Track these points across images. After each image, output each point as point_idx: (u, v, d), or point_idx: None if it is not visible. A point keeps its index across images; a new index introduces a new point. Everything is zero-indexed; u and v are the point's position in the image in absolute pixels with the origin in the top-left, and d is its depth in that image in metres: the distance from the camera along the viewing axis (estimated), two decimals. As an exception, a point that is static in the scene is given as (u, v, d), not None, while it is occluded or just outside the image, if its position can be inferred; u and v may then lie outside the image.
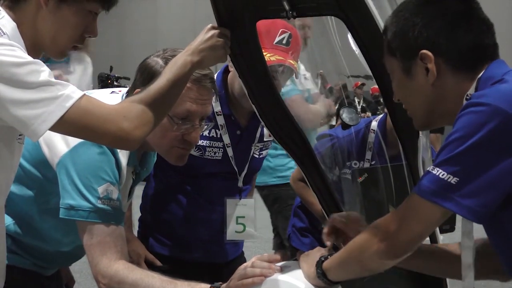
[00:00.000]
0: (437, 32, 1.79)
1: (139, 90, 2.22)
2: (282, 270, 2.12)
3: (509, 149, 1.64)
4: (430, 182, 1.69)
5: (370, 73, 2.24)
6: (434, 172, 1.68)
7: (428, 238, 2.30)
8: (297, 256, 2.19)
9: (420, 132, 2.22)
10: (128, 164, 2.28)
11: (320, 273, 1.98)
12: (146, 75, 2.27)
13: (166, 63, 2.24)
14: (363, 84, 14.29)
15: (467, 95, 1.77)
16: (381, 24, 2.00)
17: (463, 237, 1.82)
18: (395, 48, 1.85)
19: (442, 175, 1.66)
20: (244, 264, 2.10)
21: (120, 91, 2.40)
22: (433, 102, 1.83)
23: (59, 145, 2.17)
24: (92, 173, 2.15)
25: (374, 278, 2.29)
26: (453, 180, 1.65)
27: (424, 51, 1.79)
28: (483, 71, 1.79)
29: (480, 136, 1.63)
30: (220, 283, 2.09)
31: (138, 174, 2.41)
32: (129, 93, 2.33)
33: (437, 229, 2.34)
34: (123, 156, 2.23)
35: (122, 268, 2.13)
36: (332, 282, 1.98)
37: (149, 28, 19.33)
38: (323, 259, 2.00)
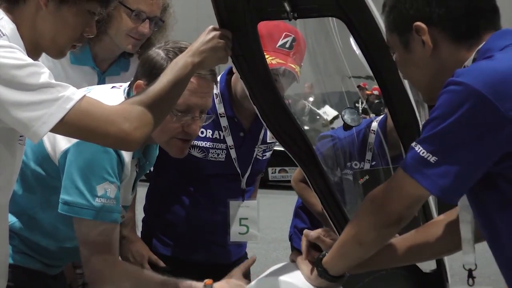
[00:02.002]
0: (428, 1, 1.77)
1: (140, 81, 2.26)
2: (282, 271, 2.13)
3: (484, 130, 1.63)
4: (412, 158, 1.71)
5: (371, 73, 2.24)
6: (416, 149, 1.70)
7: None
8: (293, 257, 2.19)
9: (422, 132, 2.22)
10: (132, 156, 2.30)
11: (321, 271, 1.98)
12: (147, 66, 2.29)
13: (167, 54, 2.26)
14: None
15: (464, 66, 1.75)
16: (381, 24, 2.00)
17: (461, 211, 1.84)
18: (392, 23, 1.84)
19: (422, 153, 1.68)
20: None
21: (121, 86, 2.41)
22: (434, 74, 1.82)
23: (61, 140, 2.18)
24: (92, 171, 2.16)
25: (375, 279, 2.30)
26: (432, 158, 1.67)
27: (417, 23, 1.78)
28: (484, 42, 1.76)
29: (456, 117, 1.63)
30: (211, 281, 2.13)
31: (142, 167, 2.42)
32: (131, 86, 2.34)
33: (433, 207, 2.35)
34: (126, 152, 2.24)
35: (114, 271, 2.17)
36: (334, 278, 1.99)
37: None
38: (321, 256, 2.00)
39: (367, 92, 15.63)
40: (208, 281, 2.12)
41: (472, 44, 1.77)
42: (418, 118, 2.22)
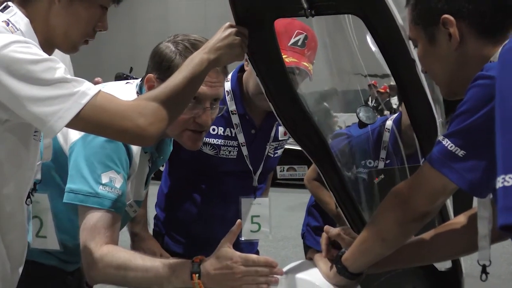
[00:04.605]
0: None
1: (151, 75, 2.26)
2: (299, 269, 2.12)
3: None
4: (439, 152, 1.70)
5: (386, 71, 2.23)
6: (443, 142, 1.69)
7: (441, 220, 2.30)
8: (310, 255, 2.18)
9: (439, 131, 2.21)
10: (145, 151, 2.28)
11: (341, 268, 1.97)
12: (157, 59, 2.28)
13: (176, 47, 2.25)
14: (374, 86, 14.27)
15: (490, 62, 1.74)
16: (399, 20, 1.98)
17: (479, 207, 1.83)
18: (418, 15, 1.84)
19: (450, 147, 1.67)
20: (234, 256, 2.01)
21: (133, 81, 2.41)
22: (457, 68, 1.81)
23: (72, 133, 2.18)
24: (98, 159, 2.15)
25: (391, 277, 2.29)
26: (460, 152, 1.66)
27: (445, 15, 1.77)
28: (510, 39, 1.72)
29: (485, 111, 1.61)
30: (202, 257, 2.03)
31: (155, 162, 2.40)
32: (142, 80, 2.33)
33: (450, 208, 2.34)
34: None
35: (106, 253, 2.09)
36: (353, 275, 1.98)
37: (160, 28, 19.36)
38: (340, 254, 1.99)
39: (380, 89, 15.61)
40: (196, 258, 2.02)
41: (498, 40, 1.76)
42: (436, 116, 2.20)
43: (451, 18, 1.76)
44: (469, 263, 1.90)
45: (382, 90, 15.74)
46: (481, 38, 1.77)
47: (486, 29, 1.76)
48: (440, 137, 1.71)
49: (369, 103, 14.69)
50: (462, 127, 1.65)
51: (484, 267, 1.85)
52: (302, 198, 8.47)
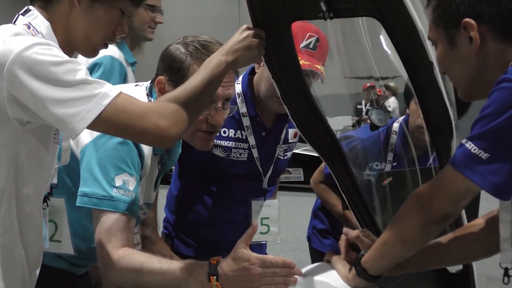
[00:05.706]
0: None
1: (161, 77, 2.27)
2: (317, 271, 2.12)
3: None
4: (462, 155, 1.70)
5: (399, 74, 2.24)
6: (466, 145, 1.69)
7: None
8: (328, 257, 2.19)
9: (454, 134, 2.22)
10: (155, 153, 2.29)
11: (360, 270, 1.98)
12: (168, 61, 2.28)
13: (186, 48, 2.26)
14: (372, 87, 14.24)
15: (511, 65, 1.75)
16: (418, 22, 1.99)
17: (501, 210, 1.83)
18: (439, 17, 1.84)
19: (474, 149, 1.67)
20: (251, 258, 2.01)
21: (143, 83, 2.41)
22: (477, 71, 1.81)
23: (83, 136, 2.18)
24: (111, 162, 2.15)
25: (406, 279, 2.29)
26: (484, 155, 1.66)
27: (466, 19, 1.77)
28: None
29: (509, 114, 1.62)
30: (219, 259, 2.04)
31: (164, 164, 2.41)
32: (152, 82, 2.34)
33: (464, 213, 2.35)
34: (146, 146, 2.22)
35: (123, 256, 2.09)
36: (373, 277, 1.98)
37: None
38: (360, 256, 2.00)
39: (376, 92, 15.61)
40: (213, 260, 2.02)
41: None
42: (452, 118, 2.21)
43: (472, 22, 1.77)
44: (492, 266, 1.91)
45: (378, 93, 15.74)
46: (502, 42, 1.77)
47: (507, 33, 1.77)
48: (463, 140, 1.71)
49: (361, 106, 14.67)
50: (486, 129, 1.66)
51: (506, 270, 1.86)
52: (297, 201, 8.44)
